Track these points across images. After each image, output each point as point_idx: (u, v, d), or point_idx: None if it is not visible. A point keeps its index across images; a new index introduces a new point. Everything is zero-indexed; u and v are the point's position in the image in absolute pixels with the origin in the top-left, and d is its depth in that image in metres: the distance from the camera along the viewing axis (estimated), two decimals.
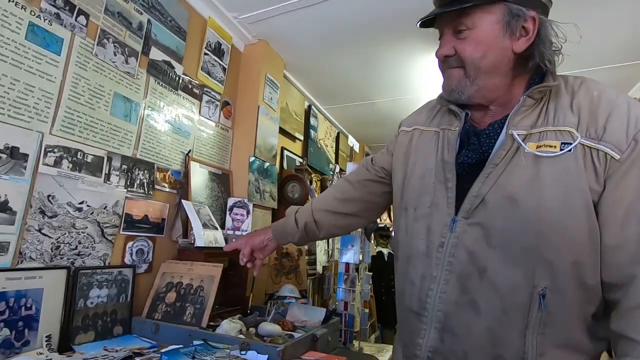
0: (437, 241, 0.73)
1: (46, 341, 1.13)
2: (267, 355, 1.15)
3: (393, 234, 0.95)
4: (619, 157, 0.60)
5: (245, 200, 1.99)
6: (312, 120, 3.07)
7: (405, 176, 0.85)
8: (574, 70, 2.37)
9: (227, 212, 1.92)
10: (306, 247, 2.57)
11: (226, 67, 2.10)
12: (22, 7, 1.15)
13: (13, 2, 1.12)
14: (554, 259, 0.61)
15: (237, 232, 1.90)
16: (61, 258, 1.23)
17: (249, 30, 2.18)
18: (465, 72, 0.72)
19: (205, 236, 1.65)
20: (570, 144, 0.62)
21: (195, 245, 1.60)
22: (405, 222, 0.81)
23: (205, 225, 1.69)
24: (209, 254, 1.63)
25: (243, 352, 1.17)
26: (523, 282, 0.63)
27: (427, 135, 0.85)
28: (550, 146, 0.63)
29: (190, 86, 1.85)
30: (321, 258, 2.84)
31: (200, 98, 1.92)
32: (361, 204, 1.05)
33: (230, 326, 1.36)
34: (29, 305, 1.11)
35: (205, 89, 1.95)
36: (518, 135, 0.67)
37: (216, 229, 1.77)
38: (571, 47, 0.77)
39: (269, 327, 1.44)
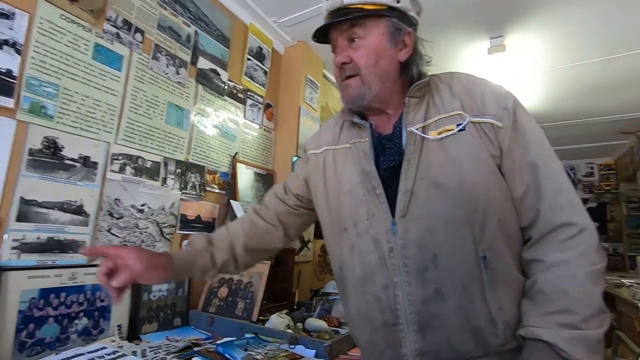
0: (386, 248, 0.73)
1: (117, 330, 1.25)
2: (314, 350, 1.19)
3: (330, 256, 0.88)
4: (501, 124, 0.72)
5: None
6: None
7: (329, 198, 0.84)
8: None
9: None
10: None
11: (267, 70, 2.17)
12: (88, 30, 1.27)
13: (81, 26, 1.25)
14: (483, 223, 0.69)
15: None
16: None
17: (289, 33, 2.23)
18: (362, 80, 0.77)
19: None
20: (462, 123, 0.72)
21: None
22: (350, 242, 0.78)
23: None
24: None
25: (292, 346, 1.22)
26: (468, 253, 0.68)
27: (341, 153, 0.85)
28: (448, 130, 0.73)
29: (234, 91, 1.94)
30: None
31: (244, 102, 2.00)
32: (282, 237, 0.97)
33: (278, 320, 1.42)
34: (102, 298, 1.24)
35: (248, 93, 2.04)
36: (416, 129, 0.74)
37: None
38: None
39: (315, 322, 1.49)
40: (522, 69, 2.49)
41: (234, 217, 1.75)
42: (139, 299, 1.35)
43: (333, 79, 2.75)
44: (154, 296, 1.41)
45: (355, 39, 0.77)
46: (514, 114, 0.73)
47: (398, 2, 0.76)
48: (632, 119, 3.28)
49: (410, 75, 0.80)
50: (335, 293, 2.05)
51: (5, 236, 1.04)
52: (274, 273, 1.84)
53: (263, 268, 1.57)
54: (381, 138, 0.79)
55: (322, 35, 0.82)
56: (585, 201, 4.72)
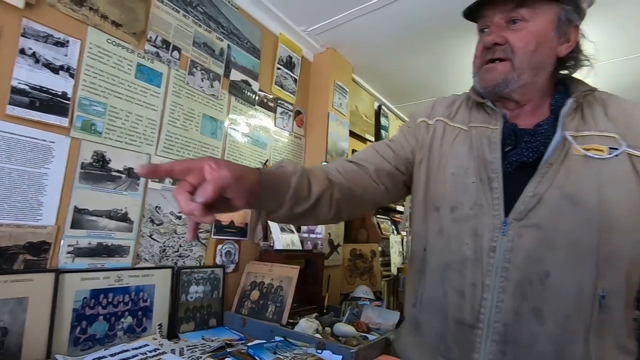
0: (486, 246, 0.67)
1: (159, 329, 1.35)
2: (341, 356, 1.21)
3: (413, 234, 0.85)
4: None
5: None
6: (383, 120, 3.06)
7: (430, 173, 0.78)
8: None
9: None
10: (379, 248, 2.59)
11: (297, 78, 2.22)
12: (131, 51, 1.38)
13: (125, 48, 1.36)
14: (614, 259, 0.62)
15: (312, 235, 2.01)
16: (167, 259, 1.46)
17: (317, 40, 2.27)
18: (512, 65, 0.69)
19: (283, 239, 1.78)
20: (617, 148, 0.66)
21: (274, 248, 1.75)
22: (440, 224, 0.73)
23: (282, 230, 1.83)
24: (287, 255, 1.76)
25: (319, 351, 1.25)
26: (586, 284, 0.62)
27: (453, 131, 0.79)
28: (598, 150, 0.66)
29: (265, 100, 2.01)
30: (395, 259, 2.83)
31: (274, 110, 2.07)
32: (383, 193, 0.83)
33: (307, 325, 1.46)
34: (145, 298, 1.35)
35: (279, 101, 2.10)
36: (570, 135, 0.68)
37: (293, 232, 1.90)
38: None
39: (344, 327, 1.51)
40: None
41: (265, 223, 1.82)
42: (177, 300, 1.44)
43: (363, 82, 2.76)
44: (191, 297, 1.50)
45: (518, 21, 0.69)
46: None
47: None
48: None
49: (561, 74, 0.74)
50: (365, 298, 2.06)
51: (62, 242, 1.17)
52: (304, 276, 1.89)
53: (292, 272, 1.62)
54: (517, 130, 0.72)
55: (470, 11, 0.75)
56: None
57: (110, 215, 1.29)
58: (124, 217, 1.33)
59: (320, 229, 2.04)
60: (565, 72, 0.75)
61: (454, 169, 0.74)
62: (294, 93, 2.20)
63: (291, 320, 1.55)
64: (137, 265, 1.36)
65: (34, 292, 1.07)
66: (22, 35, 1.11)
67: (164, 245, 1.46)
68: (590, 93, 0.72)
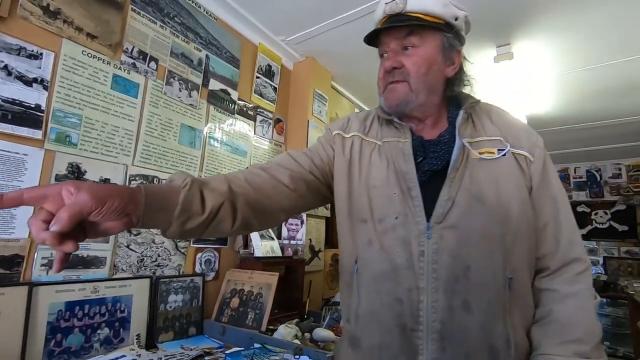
0: (416, 251, 0.71)
1: (136, 339, 1.35)
2: None
3: (340, 247, 0.86)
4: (532, 159, 0.78)
5: None
6: None
7: (351, 186, 0.82)
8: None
9: (283, 223, 2.07)
10: None
11: (277, 86, 2.26)
12: (107, 63, 1.39)
13: (101, 59, 1.37)
14: (513, 245, 0.72)
15: (292, 242, 2.04)
16: (145, 269, 1.47)
17: (296, 50, 2.31)
18: (409, 86, 0.78)
19: (263, 246, 1.80)
20: (504, 149, 0.77)
21: (254, 255, 1.76)
22: (368, 236, 0.76)
23: (262, 237, 1.85)
24: (267, 263, 1.78)
25: (296, 357, 1.27)
26: (499, 271, 0.70)
27: (369, 146, 0.84)
28: (490, 152, 0.77)
29: (245, 109, 2.03)
30: None
31: (254, 119, 2.09)
32: (295, 199, 0.81)
33: (286, 331, 1.48)
34: (122, 309, 1.35)
35: (258, 110, 2.12)
36: (466, 142, 0.77)
37: (273, 239, 1.92)
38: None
39: (323, 332, 1.54)
40: (530, 75, 2.46)
41: None
42: (155, 310, 1.45)
43: (342, 90, 2.81)
44: (170, 307, 1.51)
45: (409, 47, 0.78)
46: (543, 152, 0.80)
47: (456, 19, 0.80)
48: None
49: (451, 92, 0.84)
50: None
51: (36, 255, 1.16)
52: (285, 283, 1.91)
53: (272, 279, 1.64)
54: (424, 142, 0.80)
55: (370, 37, 0.83)
56: (612, 204, 4.54)
57: None
58: None
59: (301, 235, 2.07)
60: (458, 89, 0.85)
61: (375, 182, 0.79)
62: (273, 101, 2.23)
63: (271, 327, 1.56)
64: (114, 276, 1.36)
65: (6, 306, 1.06)
66: None
67: (142, 255, 1.46)
68: (476, 104, 0.83)
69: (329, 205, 2.41)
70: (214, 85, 1.84)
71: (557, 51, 2.18)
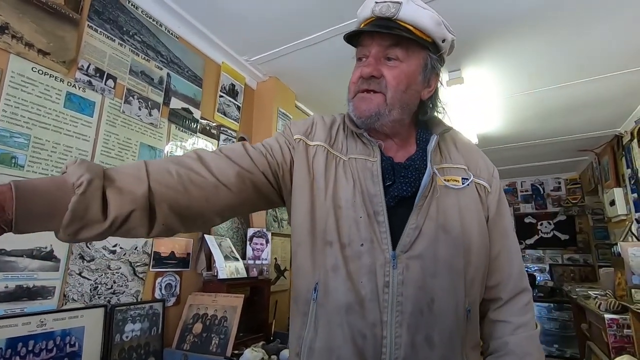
0: (381, 282, 0.65)
1: None
2: None
3: (295, 269, 0.75)
4: (490, 189, 0.79)
5: (264, 230, 2.09)
6: None
7: (313, 203, 0.72)
8: (583, 79, 2.36)
9: (247, 243, 2.03)
10: None
11: (240, 105, 2.26)
12: (60, 80, 1.33)
13: (53, 77, 1.30)
14: (473, 277, 0.72)
15: (257, 262, 2.00)
16: (99, 297, 1.37)
17: (260, 70, 2.34)
18: (385, 99, 0.72)
19: (227, 268, 1.76)
20: (467, 179, 0.77)
21: (218, 278, 1.71)
22: (334, 260, 0.68)
23: (227, 257, 1.80)
24: (232, 284, 1.73)
25: None
26: (460, 302, 0.69)
27: (335, 160, 0.76)
28: (455, 180, 0.76)
29: (208, 128, 2.01)
30: None
31: (217, 137, 2.07)
32: (237, 201, 0.70)
33: (252, 355, 1.44)
34: (72, 343, 1.25)
35: (222, 129, 2.11)
36: (437, 170, 0.75)
37: (237, 260, 1.88)
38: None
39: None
40: (480, 98, 2.67)
41: (208, 252, 1.78)
42: (110, 341, 1.35)
43: (306, 109, 2.86)
44: (127, 337, 1.42)
45: (392, 59, 0.72)
46: (499, 183, 0.82)
47: (443, 41, 0.75)
48: (590, 138, 3.51)
49: (423, 115, 0.80)
50: None
51: None
52: (250, 304, 1.87)
53: (237, 302, 1.60)
54: (394, 164, 0.74)
55: (350, 36, 0.76)
56: (554, 214, 4.93)
57: (33, 254, 1.19)
58: (49, 255, 1.23)
59: (267, 254, 2.05)
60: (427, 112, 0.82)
61: (341, 202, 0.71)
62: (237, 120, 2.22)
63: (236, 352, 1.52)
64: (64, 307, 1.26)
65: None
66: None
67: (96, 283, 1.37)
68: (448, 131, 0.80)
69: None
70: (176, 103, 1.81)
71: (502, 76, 2.38)
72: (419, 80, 0.75)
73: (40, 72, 1.27)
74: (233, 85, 2.21)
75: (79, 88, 1.39)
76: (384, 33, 0.71)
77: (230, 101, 2.18)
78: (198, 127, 1.93)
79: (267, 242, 2.08)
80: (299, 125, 0.81)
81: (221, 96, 2.11)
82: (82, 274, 1.33)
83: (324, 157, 0.76)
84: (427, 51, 0.74)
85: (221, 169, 0.67)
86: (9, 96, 1.18)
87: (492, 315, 0.78)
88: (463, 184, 0.76)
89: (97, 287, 1.37)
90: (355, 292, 0.66)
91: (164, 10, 1.75)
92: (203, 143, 1.96)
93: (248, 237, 2.05)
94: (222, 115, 2.11)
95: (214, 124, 2.05)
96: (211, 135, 2.03)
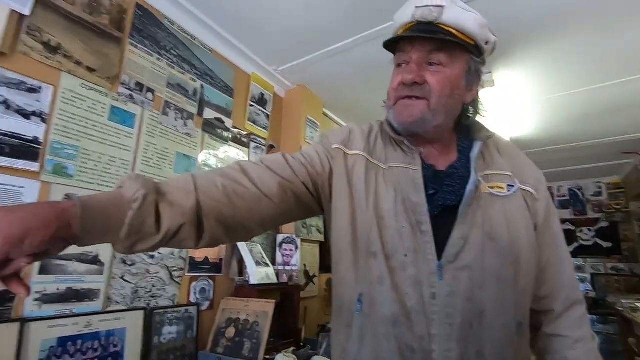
0: (427, 293, 0.64)
1: None
2: None
3: (338, 279, 0.73)
4: (537, 195, 0.76)
5: (293, 236, 2.11)
6: None
7: (354, 213, 0.71)
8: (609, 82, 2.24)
9: (277, 249, 2.06)
10: None
11: (269, 114, 2.31)
12: (105, 95, 1.42)
13: (99, 92, 1.39)
14: (524, 286, 0.69)
15: (287, 267, 2.03)
16: (139, 300, 1.44)
17: (288, 78, 2.39)
18: (428, 105, 0.70)
19: (258, 273, 1.79)
20: (513, 185, 0.74)
21: (249, 283, 1.75)
22: (379, 271, 0.66)
23: (257, 263, 1.84)
24: (263, 290, 1.76)
25: None
26: (510, 316, 0.66)
27: (375, 169, 0.74)
28: (500, 187, 0.73)
29: (239, 136, 2.07)
30: None
31: (248, 145, 2.13)
32: (280, 212, 0.71)
33: None
34: (115, 343, 1.31)
35: (252, 137, 2.16)
36: (481, 177, 0.72)
37: (268, 265, 1.91)
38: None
39: None
40: (512, 100, 2.58)
41: (240, 258, 1.82)
42: (150, 343, 1.41)
43: (334, 116, 2.88)
44: (164, 339, 1.47)
45: (435, 64, 0.70)
46: (546, 189, 0.79)
47: (486, 43, 0.73)
48: (633, 140, 3.31)
49: (466, 120, 0.78)
50: None
51: None
52: (281, 310, 1.89)
53: (268, 307, 1.62)
54: (436, 172, 0.73)
55: (389, 42, 0.74)
56: (596, 221, 4.66)
57: (81, 258, 1.27)
58: (94, 260, 1.31)
59: (296, 260, 2.07)
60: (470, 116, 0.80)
61: (383, 212, 0.69)
62: (266, 128, 2.27)
63: (267, 357, 1.54)
64: (108, 309, 1.33)
65: None
66: None
67: (136, 286, 1.43)
68: (491, 137, 0.78)
69: (322, 229, 2.43)
70: (209, 114, 1.88)
71: (535, 78, 2.30)
72: (462, 84, 0.73)
73: (88, 87, 1.36)
74: (262, 95, 2.27)
75: (122, 101, 1.47)
76: (426, 38, 0.70)
77: (259, 110, 2.23)
78: (230, 136, 1.99)
79: (296, 248, 2.10)
80: (337, 135, 0.80)
81: (251, 105, 2.17)
82: (124, 278, 1.39)
83: (364, 166, 0.74)
84: (470, 54, 0.72)
85: (263, 180, 0.68)
86: (61, 111, 1.27)
87: (546, 329, 0.75)
88: (509, 191, 0.73)
89: (137, 290, 1.44)
90: (401, 304, 0.64)
91: (197, 25, 1.83)
92: (234, 151, 2.02)
93: (278, 243, 2.08)
94: (252, 124, 2.17)
95: (244, 133, 2.11)
96: (242, 144, 2.08)
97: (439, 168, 0.74)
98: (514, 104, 2.64)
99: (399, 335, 0.63)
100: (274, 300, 1.64)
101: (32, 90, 1.21)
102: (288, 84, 2.42)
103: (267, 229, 0.75)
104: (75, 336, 1.21)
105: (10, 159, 1.13)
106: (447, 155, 0.77)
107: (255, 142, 2.18)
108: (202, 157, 1.81)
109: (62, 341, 1.18)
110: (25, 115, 1.18)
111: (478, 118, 0.80)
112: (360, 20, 1.78)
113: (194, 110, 1.79)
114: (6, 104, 1.14)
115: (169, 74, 1.68)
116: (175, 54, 1.73)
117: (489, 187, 0.72)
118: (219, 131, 1.93)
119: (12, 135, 1.14)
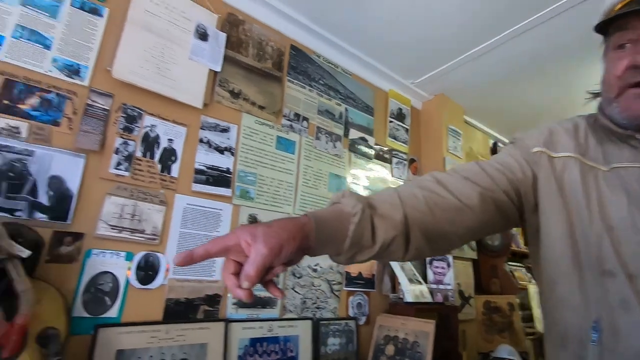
0: None
1: None
2: None
3: (555, 301, 0.64)
4: None
5: None
6: None
7: (574, 224, 0.62)
8: None
9: (427, 266, 1.98)
10: (517, 300, 2.30)
11: (408, 128, 2.28)
12: (272, 127, 1.64)
13: (268, 125, 1.62)
14: None
15: (440, 286, 1.92)
16: (307, 310, 1.57)
17: (425, 90, 2.33)
18: None
19: (412, 291, 1.74)
20: None
21: (404, 301, 1.71)
22: (622, 295, 0.56)
23: (410, 280, 1.79)
24: (419, 309, 1.70)
25: None
26: None
27: (593, 172, 0.64)
28: None
29: (381, 153, 2.10)
30: (538, 313, 2.45)
31: (390, 161, 2.14)
32: (481, 224, 0.66)
33: None
34: (291, 349, 1.45)
35: (393, 152, 2.17)
36: None
37: (421, 283, 1.84)
38: None
39: None
40: None
41: (392, 273, 1.81)
42: (318, 352, 1.51)
43: (476, 122, 2.67)
44: (330, 349, 1.55)
45: None
46: None
47: None
48: None
49: None
50: (509, 359, 1.82)
51: (229, 294, 1.36)
52: (437, 330, 1.78)
53: (428, 327, 1.55)
54: None
55: (604, 23, 0.65)
56: None
57: None
58: None
59: (449, 278, 1.94)
60: None
61: (613, 222, 0.59)
62: (406, 142, 2.25)
63: None
64: (284, 316, 1.48)
65: (211, 339, 1.26)
66: (201, 128, 1.42)
67: (304, 297, 1.57)
68: None
69: (474, 245, 2.23)
70: (354, 134, 1.97)
71: None
72: None
73: (260, 123, 1.60)
74: (400, 109, 2.27)
75: (284, 131, 1.68)
76: None
77: (399, 125, 2.23)
78: (373, 153, 2.04)
79: (448, 265, 1.97)
80: (534, 137, 0.72)
81: (391, 121, 2.19)
82: (295, 289, 1.54)
83: (578, 169, 0.65)
84: None
85: (461, 190, 0.64)
86: (243, 145, 1.53)
87: None
88: None
89: (305, 301, 1.57)
90: None
91: (338, 52, 1.97)
92: (378, 168, 2.06)
93: (428, 261, 1.99)
94: (393, 140, 2.18)
95: (386, 149, 2.14)
96: (384, 160, 2.11)
97: None
98: None
99: None
100: (434, 321, 1.56)
101: (224, 130, 1.48)
102: (425, 95, 2.36)
103: (466, 241, 0.71)
104: (261, 338, 1.39)
105: (214, 187, 1.40)
106: None
107: (396, 158, 2.18)
108: (349, 175, 1.90)
109: (253, 341, 1.36)
110: (220, 150, 1.46)
111: None
112: (491, 24, 1.65)
113: (340, 132, 1.91)
114: (209, 144, 1.43)
115: (318, 102, 1.85)
116: (323, 82, 1.89)
117: None
118: (363, 149, 2.00)
119: (213, 168, 1.42)
